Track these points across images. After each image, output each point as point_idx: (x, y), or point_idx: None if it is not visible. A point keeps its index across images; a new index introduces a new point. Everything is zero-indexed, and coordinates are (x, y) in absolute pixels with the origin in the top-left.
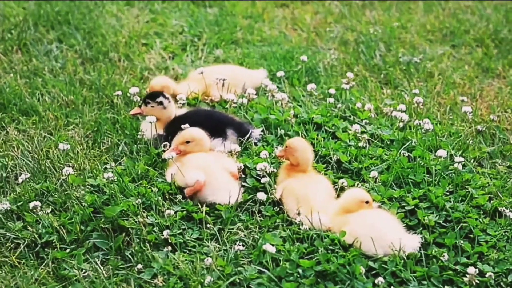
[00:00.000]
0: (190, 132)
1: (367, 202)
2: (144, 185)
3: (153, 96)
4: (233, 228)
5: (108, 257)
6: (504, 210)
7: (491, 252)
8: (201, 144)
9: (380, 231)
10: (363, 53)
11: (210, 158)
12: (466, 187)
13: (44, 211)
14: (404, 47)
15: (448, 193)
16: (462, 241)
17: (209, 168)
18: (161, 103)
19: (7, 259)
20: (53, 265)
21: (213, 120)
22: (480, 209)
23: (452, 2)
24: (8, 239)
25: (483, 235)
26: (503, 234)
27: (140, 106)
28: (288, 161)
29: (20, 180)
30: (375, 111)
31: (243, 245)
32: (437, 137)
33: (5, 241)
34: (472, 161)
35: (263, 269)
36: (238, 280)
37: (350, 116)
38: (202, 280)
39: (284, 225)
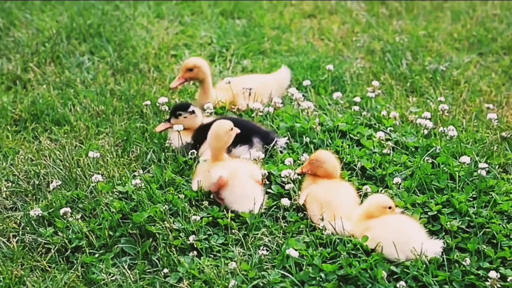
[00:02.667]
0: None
1: (390, 207)
2: (171, 192)
3: (184, 107)
4: (257, 234)
5: (136, 261)
6: None
7: None
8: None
9: (402, 236)
10: (389, 62)
11: (235, 165)
12: (490, 193)
13: (74, 217)
14: (431, 55)
15: (471, 199)
16: (485, 246)
17: (234, 175)
18: (193, 112)
19: (38, 264)
20: (82, 269)
21: (240, 128)
22: (504, 214)
23: (480, 11)
24: (39, 244)
25: (507, 240)
26: None
27: (168, 121)
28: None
29: (51, 187)
30: (400, 118)
31: (267, 250)
32: (461, 144)
33: (37, 246)
34: (496, 167)
35: (286, 274)
36: (261, 284)
37: (375, 124)
38: (227, 284)
39: (308, 230)
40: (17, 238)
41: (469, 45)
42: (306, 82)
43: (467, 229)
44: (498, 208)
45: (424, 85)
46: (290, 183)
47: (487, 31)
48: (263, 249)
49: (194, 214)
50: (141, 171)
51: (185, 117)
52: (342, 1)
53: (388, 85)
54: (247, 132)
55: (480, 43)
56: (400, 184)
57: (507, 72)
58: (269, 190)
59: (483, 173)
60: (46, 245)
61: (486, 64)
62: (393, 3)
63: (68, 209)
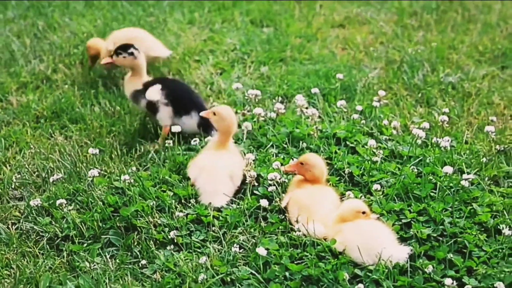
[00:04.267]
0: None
1: (363, 212)
2: (163, 189)
3: (125, 48)
4: (235, 232)
5: (119, 252)
6: (503, 228)
7: (480, 267)
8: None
9: (370, 240)
10: (405, 72)
11: (212, 158)
12: (472, 204)
13: (68, 209)
14: (450, 67)
15: (450, 209)
16: (453, 255)
17: (206, 169)
18: (132, 53)
19: (30, 250)
20: (69, 257)
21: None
22: (482, 226)
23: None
24: (35, 232)
25: (478, 251)
26: (499, 251)
27: (111, 57)
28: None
29: (51, 180)
30: (403, 128)
31: (242, 248)
32: (453, 155)
33: (32, 234)
34: (486, 179)
35: (254, 272)
36: (229, 279)
37: (375, 133)
38: (196, 277)
39: (285, 232)
40: (16, 225)
41: (493, 58)
42: (315, 90)
43: (439, 238)
44: (477, 219)
45: (435, 96)
46: (273, 186)
47: None
48: (235, 247)
49: (181, 211)
50: (134, 168)
51: (124, 57)
52: (374, 12)
53: (399, 96)
54: (190, 104)
55: (505, 56)
56: (379, 190)
57: None
58: (256, 192)
59: (466, 184)
60: (41, 233)
61: (504, 77)
62: (425, 15)
63: (64, 201)
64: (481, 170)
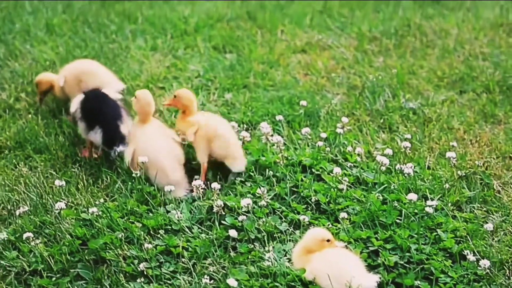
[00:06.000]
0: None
1: (328, 240)
2: (131, 219)
3: None
4: (205, 263)
5: (89, 286)
6: (468, 253)
7: None
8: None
9: (339, 269)
10: (367, 99)
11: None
12: (437, 230)
13: (35, 242)
14: (411, 92)
15: (415, 235)
16: (420, 282)
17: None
18: None
19: None
20: None
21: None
22: (447, 251)
23: (468, 49)
24: (1, 266)
25: (444, 277)
26: (465, 276)
27: None
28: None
29: (17, 213)
30: (367, 155)
31: (212, 279)
32: (417, 181)
33: None
34: (449, 205)
35: None
36: None
37: (340, 159)
38: None
39: (255, 261)
40: None
41: (452, 83)
42: (279, 117)
43: (406, 265)
44: (442, 245)
45: (397, 122)
46: (244, 215)
47: (470, 69)
48: (206, 278)
49: (149, 243)
50: (105, 201)
51: None
52: (334, 38)
53: (362, 121)
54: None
55: (462, 81)
56: (346, 218)
57: (482, 111)
58: (223, 222)
59: (430, 210)
60: (8, 268)
61: (463, 102)
62: (384, 40)
63: (31, 234)
64: (444, 196)
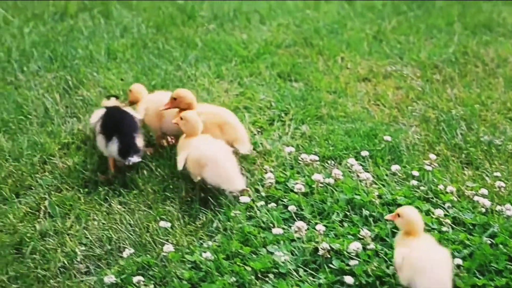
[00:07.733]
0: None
1: None
2: (237, 263)
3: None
4: None
5: None
6: None
7: None
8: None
9: None
10: (444, 132)
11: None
12: None
13: (146, 285)
14: (485, 125)
15: None
16: None
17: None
18: None
19: None
20: None
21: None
22: None
23: None
24: None
25: None
26: None
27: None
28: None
29: (124, 255)
30: (457, 193)
31: None
32: None
33: None
34: None
35: None
36: None
37: (432, 198)
38: None
39: None
40: None
41: None
42: (365, 153)
43: None
44: None
45: (480, 158)
46: (355, 259)
47: None
48: None
49: (260, 287)
50: (210, 243)
51: None
52: (395, 66)
53: (444, 156)
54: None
55: None
56: (461, 265)
57: None
58: (330, 265)
59: None
60: None
61: None
62: (446, 69)
63: (141, 278)
64: None
